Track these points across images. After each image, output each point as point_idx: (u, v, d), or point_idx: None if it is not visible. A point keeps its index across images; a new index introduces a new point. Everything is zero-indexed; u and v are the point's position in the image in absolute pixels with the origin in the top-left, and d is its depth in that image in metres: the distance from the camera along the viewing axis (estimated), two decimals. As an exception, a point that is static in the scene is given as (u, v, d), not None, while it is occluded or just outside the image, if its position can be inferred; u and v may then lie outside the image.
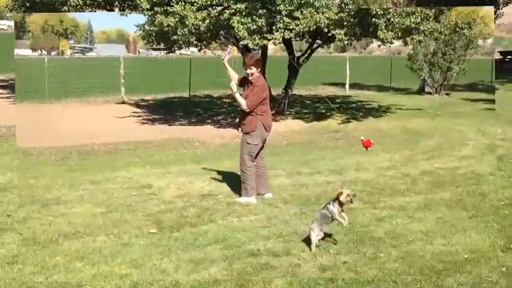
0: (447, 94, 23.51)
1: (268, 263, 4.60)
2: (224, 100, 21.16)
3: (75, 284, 4.22)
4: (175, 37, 13.64)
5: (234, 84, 6.62)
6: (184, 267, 4.54)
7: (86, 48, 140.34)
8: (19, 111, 17.75)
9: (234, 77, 6.69)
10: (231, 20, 12.83)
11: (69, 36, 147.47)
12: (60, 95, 21.91)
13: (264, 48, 16.13)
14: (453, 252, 4.81)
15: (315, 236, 4.82)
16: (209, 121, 15.71)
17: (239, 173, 6.81)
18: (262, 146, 6.72)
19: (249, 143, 6.52)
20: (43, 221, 5.83)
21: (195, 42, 14.56)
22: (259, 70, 6.52)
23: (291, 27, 13.00)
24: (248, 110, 6.43)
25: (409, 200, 6.61)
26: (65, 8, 14.87)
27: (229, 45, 6.75)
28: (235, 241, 5.15)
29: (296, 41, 17.76)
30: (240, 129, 6.70)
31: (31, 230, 5.53)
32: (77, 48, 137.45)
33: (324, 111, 17.65)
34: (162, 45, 16.76)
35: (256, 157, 6.64)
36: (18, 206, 6.47)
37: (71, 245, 5.09)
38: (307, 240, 4.91)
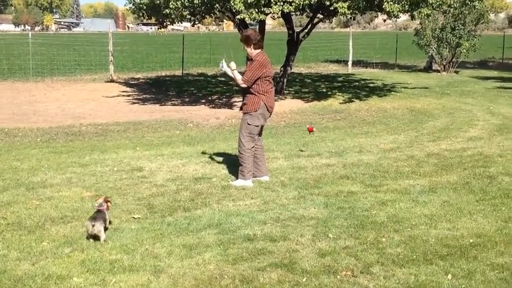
0: (456, 72, 23.52)
1: (265, 248, 4.67)
2: (219, 79, 21.12)
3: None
4: (167, 11, 13.56)
5: (225, 66, 6.66)
6: (178, 252, 4.60)
7: (72, 23, 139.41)
8: (2, 90, 17.72)
9: (237, 77, 6.62)
10: (227, -8, 12.76)
11: (54, 10, 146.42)
12: (45, 72, 21.85)
13: (262, 23, 16.05)
14: (458, 237, 4.89)
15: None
16: (203, 101, 15.70)
17: (234, 155, 6.85)
18: (262, 127, 6.75)
19: (249, 124, 6.54)
20: (29, 205, 5.88)
21: (188, 16, 14.47)
22: (253, 46, 6.48)
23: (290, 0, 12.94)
24: (244, 85, 6.44)
25: (414, 183, 6.67)
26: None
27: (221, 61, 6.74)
28: (231, 226, 5.21)
29: (296, 15, 17.70)
30: (241, 109, 6.72)
31: (16, 215, 5.58)
32: (62, 23, 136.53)
33: (324, 90, 17.66)
34: (153, 20, 16.70)
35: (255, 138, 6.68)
36: (2, 189, 6.51)
37: (59, 230, 5.14)
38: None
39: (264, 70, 6.45)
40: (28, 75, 21.02)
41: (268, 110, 6.58)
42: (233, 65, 6.65)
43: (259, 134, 6.79)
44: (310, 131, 8.86)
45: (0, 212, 5.68)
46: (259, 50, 6.55)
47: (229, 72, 6.66)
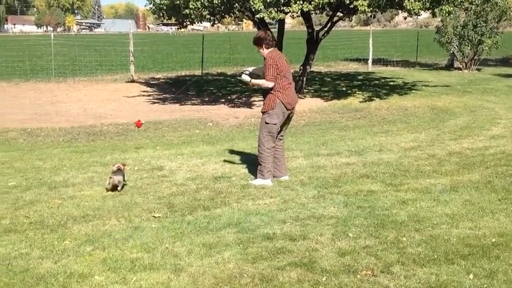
0: (478, 69, 23.23)
1: (284, 247, 4.66)
2: (238, 78, 21.17)
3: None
4: (187, 11, 13.62)
5: (245, 76, 6.73)
6: (197, 251, 4.62)
7: (93, 24, 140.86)
8: (25, 90, 17.97)
9: (261, 81, 6.64)
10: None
11: (76, 11, 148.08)
12: (67, 73, 22.12)
13: (282, 23, 16.02)
14: (480, 236, 4.83)
15: None
16: (223, 100, 15.75)
17: (254, 154, 6.85)
18: (282, 127, 6.71)
19: (267, 123, 6.53)
20: (51, 204, 5.96)
21: (208, 16, 14.52)
22: (265, 46, 6.53)
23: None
24: (272, 84, 6.43)
25: (435, 181, 6.61)
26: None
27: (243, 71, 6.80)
28: (250, 225, 5.22)
29: (315, 14, 17.63)
30: None
31: (38, 214, 5.66)
32: (83, 24, 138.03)
33: (344, 89, 17.58)
34: (173, 20, 16.78)
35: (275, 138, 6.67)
36: (25, 188, 6.61)
37: (81, 229, 5.21)
38: None
39: (278, 66, 6.42)
40: (50, 75, 21.30)
41: (285, 107, 6.50)
42: (246, 77, 6.74)
43: (281, 134, 6.77)
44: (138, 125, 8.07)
45: (23, 210, 5.77)
46: (272, 48, 6.56)
47: (254, 81, 6.67)
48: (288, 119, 6.76)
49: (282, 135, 6.82)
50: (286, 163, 7.00)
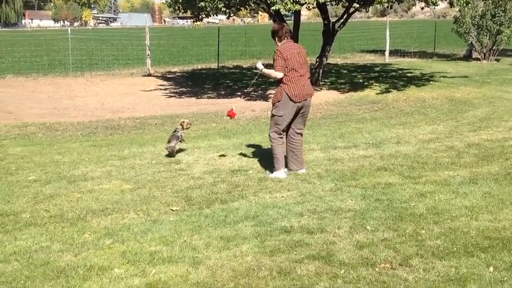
0: (497, 60, 22.93)
1: (302, 240, 4.66)
2: (254, 71, 21.14)
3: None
4: (202, 4, 13.64)
5: (259, 64, 6.75)
6: (215, 244, 4.64)
7: (109, 18, 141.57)
8: (43, 85, 18.15)
9: (269, 71, 6.65)
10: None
11: (92, 5, 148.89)
12: (84, 67, 22.29)
13: (297, 14, 15.95)
14: (500, 229, 4.78)
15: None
16: (239, 93, 15.75)
17: (270, 148, 6.85)
18: (293, 119, 6.63)
19: (274, 114, 6.56)
20: (70, 198, 6.02)
21: (223, 8, 14.51)
22: (278, 39, 6.56)
23: (325, -10, 12.83)
24: (280, 75, 6.41)
25: (454, 174, 6.55)
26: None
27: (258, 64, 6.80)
28: (267, 218, 5.22)
29: (332, 5, 17.53)
30: None
31: (58, 207, 5.72)
32: (100, 18, 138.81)
33: (361, 81, 17.47)
34: (188, 13, 16.81)
35: (288, 130, 6.65)
36: (45, 182, 6.69)
37: (100, 222, 5.26)
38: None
39: (285, 57, 6.39)
40: (68, 70, 21.47)
41: (292, 99, 6.42)
42: (260, 65, 6.74)
43: (298, 128, 6.72)
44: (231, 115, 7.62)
45: (43, 204, 5.84)
46: (284, 40, 6.54)
47: (264, 70, 6.67)
48: (301, 113, 6.64)
49: (299, 129, 6.76)
50: (303, 157, 6.97)
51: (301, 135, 6.86)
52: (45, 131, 10.56)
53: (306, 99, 6.58)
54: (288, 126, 6.66)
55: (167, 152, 7.82)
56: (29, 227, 5.18)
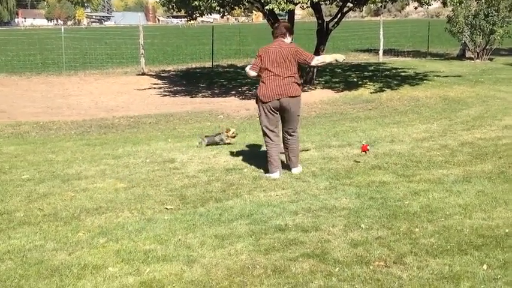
0: (490, 59, 23.03)
1: (297, 238, 4.67)
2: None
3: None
4: (196, 3, 13.63)
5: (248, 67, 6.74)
6: (210, 242, 4.63)
7: (103, 17, 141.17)
8: (36, 84, 18.08)
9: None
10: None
11: (86, 4, 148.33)
12: (78, 66, 22.22)
13: (291, 14, 15.96)
14: (493, 227, 4.80)
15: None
16: (233, 92, 15.74)
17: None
18: (282, 119, 6.54)
19: (258, 115, 6.68)
20: (64, 197, 6.00)
21: (217, 7, 14.51)
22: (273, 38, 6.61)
23: (319, -11, 12.85)
24: (251, 73, 6.55)
25: (447, 172, 6.57)
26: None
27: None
28: (262, 216, 5.22)
29: (325, 4, 17.55)
30: None
31: (52, 206, 5.70)
32: (94, 17, 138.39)
33: (355, 80, 17.50)
34: (182, 12, 16.79)
35: (274, 130, 6.57)
36: (38, 181, 6.66)
37: (94, 221, 5.24)
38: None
39: (261, 57, 6.43)
40: (61, 69, 21.41)
41: (261, 99, 6.37)
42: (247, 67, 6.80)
43: (287, 127, 6.63)
44: (364, 150, 7.52)
45: (37, 203, 5.82)
46: (275, 39, 6.56)
47: (246, 69, 6.76)
48: (282, 115, 6.47)
49: (289, 129, 6.60)
50: (298, 157, 6.94)
51: (294, 135, 6.66)
52: (39, 130, 10.53)
53: (279, 99, 6.34)
54: (283, 126, 6.64)
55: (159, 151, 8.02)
56: (22, 226, 5.16)
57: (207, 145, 8.25)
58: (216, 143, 8.25)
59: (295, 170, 6.72)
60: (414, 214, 5.17)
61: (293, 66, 6.41)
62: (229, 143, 8.24)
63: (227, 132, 8.29)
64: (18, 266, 4.27)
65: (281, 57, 6.36)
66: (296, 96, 6.44)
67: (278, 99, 6.35)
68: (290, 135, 6.65)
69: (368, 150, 7.47)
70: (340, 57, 6.48)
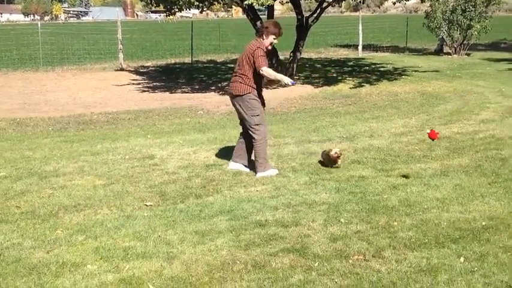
0: (467, 54, 23.30)
1: (277, 233, 4.68)
2: (228, 65, 21.08)
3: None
4: (175, -2, 13.53)
5: None
6: (190, 238, 4.63)
7: (81, 12, 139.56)
8: (13, 80, 17.82)
9: None
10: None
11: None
12: (55, 62, 21.95)
13: (271, 9, 15.96)
14: (470, 220, 4.87)
15: None
16: (213, 88, 15.69)
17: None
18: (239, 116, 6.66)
19: None
20: (42, 194, 5.93)
21: (196, 2, 14.44)
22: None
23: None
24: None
25: (425, 166, 6.65)
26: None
27: None
28: (242, 212, 5.23)
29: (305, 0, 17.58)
30: None
31: (29, 204, 5.63)
32: (71, 12, 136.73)
33: (335, 75, 17.58)
34: (161, 7, 16.67)
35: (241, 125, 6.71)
36: (15, 178, 6.57)
37: (72, 218, 5.19)
38: None
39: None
40: (38, 64, 21.12)
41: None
42: None
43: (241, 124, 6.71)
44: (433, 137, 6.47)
45: (14, 201, 5.75)
46: None
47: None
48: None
49: (245, 126, 6.56)
50: (263, 162, 6.49)
51: (252, 135, 6.46)
52: (16, 127, 10.38)
53: (231, 97, 6.57)
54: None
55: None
56: (-1, 224, 5.09)
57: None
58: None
59: (258, 174, 6.45)
60: (393, 208, 5.22)
61: (246, 66, 6.32)
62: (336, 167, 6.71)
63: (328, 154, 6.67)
64: (-5, 265, 4.21)
65: (242, 55, 6.44)
66: (237, 96, 6.41)
67: (231, 97, 6.59)
68: (249, 133, 6.51)
69: (437, 137, 6.46)
70: (288, 81, 6.26)
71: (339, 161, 6.61)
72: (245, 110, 6.41)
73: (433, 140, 6.46)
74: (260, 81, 6.45)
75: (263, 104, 6.57)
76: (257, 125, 6.39)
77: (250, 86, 6.35)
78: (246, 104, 6.38)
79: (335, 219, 4.98)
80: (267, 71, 6.21)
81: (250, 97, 6.37)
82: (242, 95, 6.38)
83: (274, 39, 6.45)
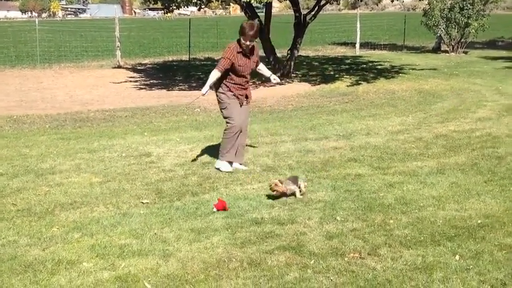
0: (465, 52, 23.30)
1: (273, 231, 4.69)
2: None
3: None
4: (172, -5, 13.51)
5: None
6: (186, 236, 4.63)
7: (78, 9, 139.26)
8: (10, 77, 17.78)
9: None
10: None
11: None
12: (53, 59, 21.89)
13: (269, 6, 15.95)
14: (466, 218, 4.88)
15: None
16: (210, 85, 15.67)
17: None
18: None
19: None
20: (38, 192, 5.93)
21: (194, 0, 14.41)
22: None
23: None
24: None
25: (422, 164, 6.66)
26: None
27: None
28: (238, 210, 5.23)
29: (302, -3, 17.58)
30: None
31: (26, 201, 5.63)
32: (69, 9, 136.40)
33: (332, 73, 17.57)
34: (159, 5, 16.64)
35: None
36: (12, 176, 6.56)
37: (68, 216, 5.19)
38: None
39: None
40: (36, 62, 21.06)
41: None
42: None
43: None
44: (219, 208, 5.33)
45: (10, 198, 5.74)
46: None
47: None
48: None
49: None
50: (222, 151, 6.69)
51: (244, 132, 6.83)
52: (12, 124, 10.36)
53: None
54: None
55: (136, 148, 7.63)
56: (-5, 222, 5.09)
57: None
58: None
59: (216, 164, 6.71)
60: (389, 206, 5.23)
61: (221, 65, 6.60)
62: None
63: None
64: (-9, 262, 4.21)
65: None
66: (216, 93, 6.76)
67: None
68: (243, 131, 6.75)
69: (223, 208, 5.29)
70: (204, 90, 6.61)
71: (275, 193, 5.51)
72: (218, 104, 6.80)
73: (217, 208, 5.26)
74: (240, 78, 6.59)
75: (247, 98, 6.72)
76: (227, 117, 6.65)
77: (224, 84, 6.66)
78: (218, 98, 6.75)
79: (331, 217, 4.98)
80: (211, 74, 6.65)
81: (220, 91, 6.70)
82: (216, 92, 6.75)
83: (244, 40, 6.40)
